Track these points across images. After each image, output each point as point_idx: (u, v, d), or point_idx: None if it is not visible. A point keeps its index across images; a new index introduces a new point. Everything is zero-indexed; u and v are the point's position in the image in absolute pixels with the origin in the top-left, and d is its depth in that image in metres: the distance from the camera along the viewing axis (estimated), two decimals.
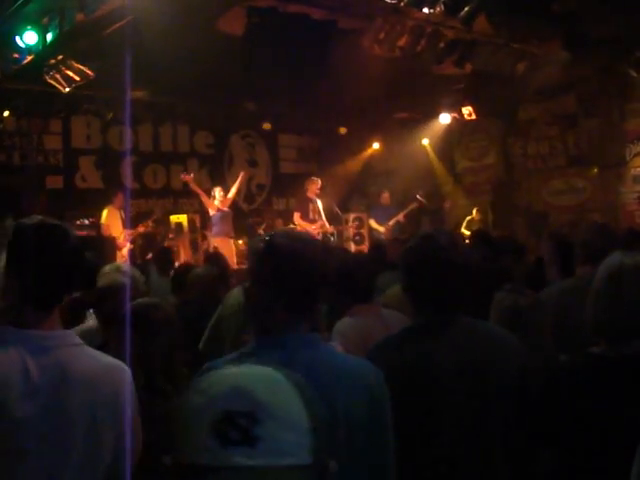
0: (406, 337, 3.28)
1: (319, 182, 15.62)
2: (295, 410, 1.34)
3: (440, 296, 3.20)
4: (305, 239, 2.61)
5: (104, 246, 13.58)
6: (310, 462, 1.32)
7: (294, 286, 2.46)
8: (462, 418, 3.03)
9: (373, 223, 17.18)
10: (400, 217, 16.84)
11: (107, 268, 5.27)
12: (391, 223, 16.71)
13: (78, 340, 2.60)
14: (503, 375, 3.08)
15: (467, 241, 9.78)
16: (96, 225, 15.24)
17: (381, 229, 16.84)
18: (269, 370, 1.40)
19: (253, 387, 1.34)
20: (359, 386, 2.49)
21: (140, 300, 3.94)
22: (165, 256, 10.51)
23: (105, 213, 14.50)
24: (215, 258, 9.19)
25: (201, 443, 1.29)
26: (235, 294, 5.95)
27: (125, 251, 14.31)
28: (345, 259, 5.16)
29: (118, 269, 5.24)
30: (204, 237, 15.83)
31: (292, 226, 15.00)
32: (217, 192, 15.25)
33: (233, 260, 14.02)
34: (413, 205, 17.18)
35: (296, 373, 1.43)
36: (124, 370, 2.62)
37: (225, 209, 15.13)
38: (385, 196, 17.38)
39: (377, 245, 10.26)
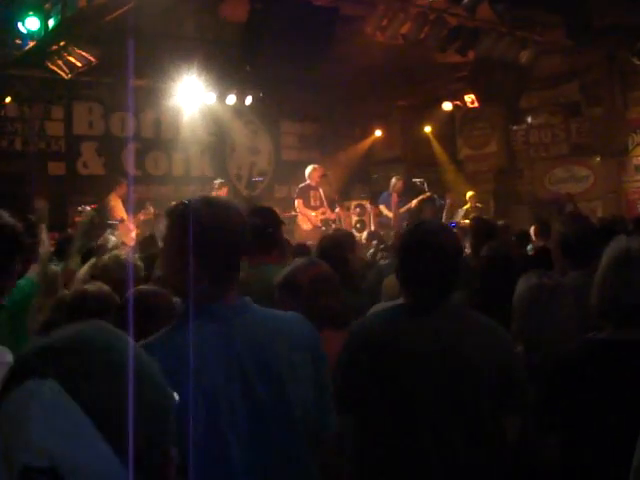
0: (388, 316, 3.37)
1: (321, 169, 15.60)
2: (99, 453, 1.14)
3: (426, 279, 3.24)
4: (224, 204, 2.62)
5: (118, 229, 13.51)
6: None
7: (218, 255, 2.48)
8: (436, 400, 3.09)
9: (384, 209, 17.12)
10: (412, 204, 16.80)
11: (106, 258, 5.27)
12: (402, 210, 16.67)
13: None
14: (482, 362, 3.11)
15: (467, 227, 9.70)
16: (98, 211, 15.22)
17: (390, 214, 16.80)
18: (61, 398, 1.15)
19: (47, 434, 1.12)
20: (301, 340, 2.63)
21: (141, 287, 3.93)
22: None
23: (111, 197, 14.48)
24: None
25: None
26: None
27: (133, 235, 14.30)
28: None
29: (117, 259, 5.23)
30: None
31: (293, 213, 15.00)
32: (223, 189, 15.32)
33: None
34: (424, 195, 17.14)
35: (81, 384, 1.17)
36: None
37: None
38: (399, 183, 17.32)
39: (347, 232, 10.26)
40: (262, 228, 4.98)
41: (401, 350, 3.14)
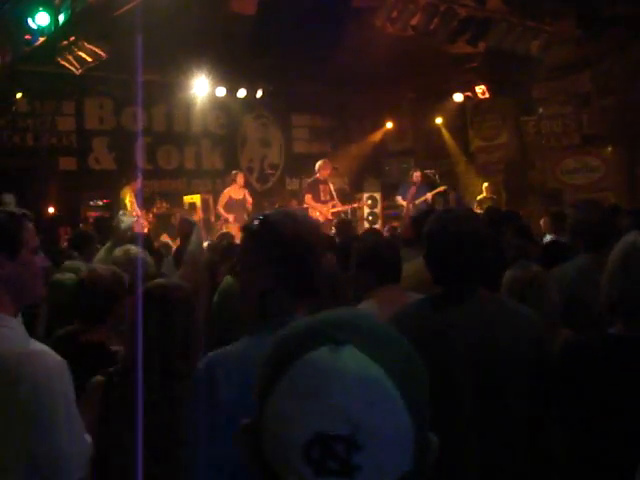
0: (424, 307, 3.33)
1: (331, 165, 15.62)
2: (401, 421, 1.08)
3: (457, 266, 3.22)
4: (301, 218, 2.60)
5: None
6: (412, 466, 1.10)
7: (295, 267, 2.46)
8: (479, 388, 3.05)
9: (400, 200, 17.11)
10: (428, 196, 16.79)
11: (117, 251, 5.29)
12: (418, 202, 16.65)
13: None
14: (519, 347, 3.08)
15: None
16: (109, 206, 15.27)
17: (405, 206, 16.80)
18: (365, 363, 1.09)
19: (350, 400, 1.06)
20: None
21: (157, 280, 3.93)
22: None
23: (125, 192, 14.49)
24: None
25: (292, 463, 1.06)
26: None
27: (145, 231, 14.33)
28: (369, 238, 5.13)
29: (127, 253, 5.25)
30: (217, 217, 15.85)
31: (305, 206, 15.01)
32: (238, 177, 15.38)
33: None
34: (441, 187, 17.15)
35: (381, 350, 1.12)
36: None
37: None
38: (416, 175, 17.31)
39: (372, 231, 10.29)
40: None
41: (436, 341, 3.11)
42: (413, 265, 5.01)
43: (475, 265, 3.23)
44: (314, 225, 2.63)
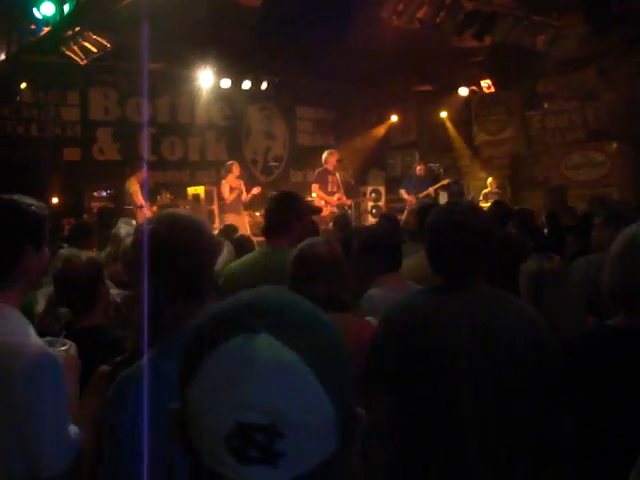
0: (421, 298, 3.36)
1: (337, 154, 15.59)
2: (320, 406, 1.09)
3: (457, 259, 3.23)
4: (181, 223, 2.52)
5: (136, 216, 13.49)
6: (336, 446, 1.12)
7: (179, 275, 2.40)
8: (474, 379, 3.07)
9: (404, 194, 17.13)
10: (431, 191, 16.81)
11: (128, 242, 5.31)
12: (421, 196, 16.66)
13: None
14: (516, 342, 3.09)
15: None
16: (113, 197, 15.26)
17: (410, 199, 16.80)
18: (280, 351, 1.08)
19: (267, 389, 1.06)
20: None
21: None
22: None
23: (130, 182, 14.47)
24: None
25: (215, 452, 1.08)
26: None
27: None
28: (370, 229, 5.16)
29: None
30: (221, 209, 15.85)
31: (310, 198, 14.98)
32: (234, 167, 15.35)
33: (248, 232, 14.07)
34: (445, 181, 17.18)
35: (297, 336, 1.11)
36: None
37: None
38: (420, 168, 17.33)
39: (387, 217, 10.27)
40: (272, 211, 5.18)
41: (434, 332, 3.14)
42: (414, 260, 5.04)
43: (474, 258, 3.25)
44: (198, 227, 2.53)
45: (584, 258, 5.34)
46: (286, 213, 5.14)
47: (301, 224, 5.15)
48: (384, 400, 3.16)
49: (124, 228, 7.33)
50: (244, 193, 15.41)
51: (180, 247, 2.36)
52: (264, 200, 16.11)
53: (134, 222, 13.77)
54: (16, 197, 2.81)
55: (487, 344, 3.07)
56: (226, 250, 6.73)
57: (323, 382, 1.08)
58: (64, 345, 3.06)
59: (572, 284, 4.08)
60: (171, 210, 2.71)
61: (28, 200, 2.84)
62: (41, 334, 2.88)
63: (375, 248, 4.69)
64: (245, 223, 14.96)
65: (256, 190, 15.53)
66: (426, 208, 6.32)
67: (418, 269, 4.59)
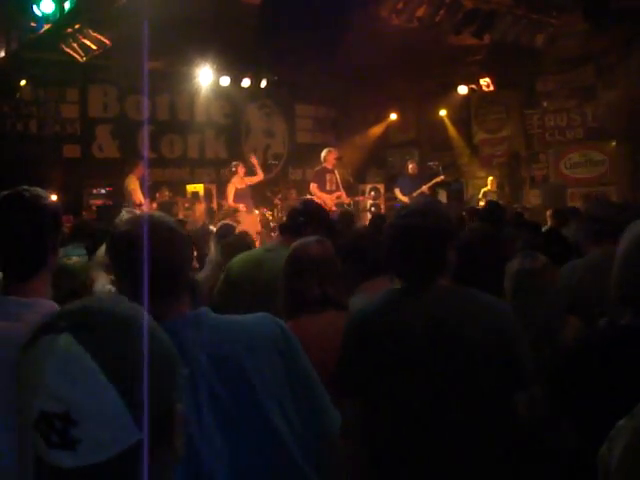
0: (382, 302, 3.38)
1: (336, 152, 15.59)
2: (105, 397, 1.22)
3: (410, 262, 3.27)
4: (150, 224, 2.49)
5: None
6: (140, 435, 1.24)
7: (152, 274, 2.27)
8: (433, 379, 3.11)
9: (398, 193, 17.14)
10: (424, 189, 16.81)
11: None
12: (415, 194, 16.67)
13: None
14: (480, 339, 3.11)
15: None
16: (112, 194, 15.28)
17: (404, 199, 16.80)
18: (72, 347, 1.23)
19: (58, 381, 1.21)
20: (261, 341, 2.54)
21: None
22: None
23: (129, 180, 14.48)
24: None
25: (33, 436, 1.23)
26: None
27: None
28: (352, 233, 5.18)
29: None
30: (220, 206, 15.88)
31: (309, 196, 15.00)
32: (239, 169, 15.40)
33: (258, 230, 14.13)
34: (438, 178, 17.18)
35: (93, 336, 1.26)
36: None
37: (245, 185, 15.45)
38: (412, 166, 17.35)
39: (379, 217, 10.30)
40: (298, 212, 5.35)
41: (396, 332, 3.18)
42: None
43: (428, 259, 3.26)
44: (171, 228, 2.52)
45: (573, 261, 5.37)
46: (308, 216, 5.29)
47: (317, 230, 5.22)
48: (352, 401, 3.19)
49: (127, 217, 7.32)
50: (259, 174, 15.89)
51: (155, 248, 2.33)
52: (263, 198, 16.23)
53: (137, 212, 13.83)
54: (34, 192, 2.78)
55: (444, 343, 3.11)
56: (214, 250, 6.76)
57: (110, 377, 1.23)
58: None
59: (554, 283, 4.10)
60: (144, 213, 2.72)
61: (45, 195, 2.83)
62: None
63: (358, 252, 4.61)
64: (256, 221, 15.02)
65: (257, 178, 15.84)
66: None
67: None
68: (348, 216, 11.29)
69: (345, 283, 4.64)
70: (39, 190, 2.81)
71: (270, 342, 2.57)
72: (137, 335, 1.29)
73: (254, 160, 16.22)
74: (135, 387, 1.24)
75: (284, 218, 5.52)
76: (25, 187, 2.79)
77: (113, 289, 5.14)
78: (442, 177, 17.32)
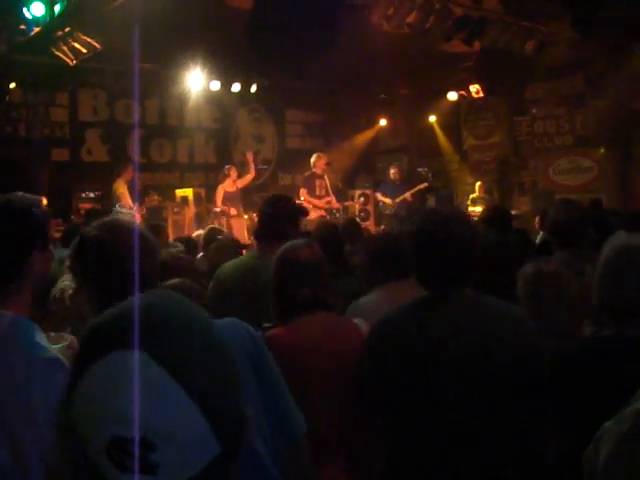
0: (407, 312, 3.29)
1: (326, 158, 15.59)
2: (189, 418, 1.14)
3: (442, 270, 3.19)
4: (118, 229, 2.50)
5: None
6: (220, 449, 1.17)
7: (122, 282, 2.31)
8: (463, 390, 3.04)
9: (380, 196, 17.15)
10: (407, 195, 16.80)
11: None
12: (398, 200, 16.68)
13: None
14: (505, 349, 3.07)
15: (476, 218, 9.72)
16: (101, 198, 15.24)
17: (388, 201, 16.81)
18: (147, 366, 1.14)
19: (135, 404, 1.11)
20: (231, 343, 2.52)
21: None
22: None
23: (117, 184, 14.46)
24: None
25: (100, 462, 1.13)
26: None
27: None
28: (373, 237, 5.19)
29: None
30: (209, 211, 15.86)
31: (298, 202, 14.99)
32: (232, 172, 15.40)
33: (244, 235, 14.12)
34: (422, 185, 17.17)
35: (169, 352, 1.16)
36: None
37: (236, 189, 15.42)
38: (394, 172, 17.35)
39: (351, 220, 10.27)
40: (272, 216, 5.14)
41: (423, 343, 3.11)
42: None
43: (462, 267, 3.21)
44: (137, 232, 2.51)
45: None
46: (284, 220, 5.14)
47: (296, 229, 5.17)
48: (374, 422, 3.15)
49: (122, 215, 7.32)
50: (251, 172, 15.97)
51: (125, 254, 2.33)
52: (251, 203, 16.20)
53: (132, 207, 13.81)
54: (13, 198, 2.70)
55: (474, 356, 3.05)
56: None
57: (193, 395, 1.14)
58: (65, 340, 3.00)
59: (571, 287, 4.09)
60: (112, 217, 2.68)
61: (25, 199, 2.73)
62: None
63: (385, 255, 4.70)
64: (244, 226, 15.02)
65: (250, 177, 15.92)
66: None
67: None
68: (353, 226, 11.30)
69: (368, 285, 4.69)
70: (23, 198, 2.71)
71: (239, 345, 2.58)
72: (209, 345, 1.22)
73: (250, 157, 16.22)
74: (216, 402, 1.18)
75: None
76: (10, 195, 2.73)
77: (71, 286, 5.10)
78: (425, 184, 17.30)
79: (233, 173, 15.42)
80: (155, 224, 10.49)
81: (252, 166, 16.08)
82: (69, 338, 3.02)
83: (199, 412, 1.14)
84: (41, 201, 2.86)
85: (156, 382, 1.13)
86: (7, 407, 2.45)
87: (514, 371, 3.06)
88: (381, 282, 4.65)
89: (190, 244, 8.75)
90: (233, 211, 15.08)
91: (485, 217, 7.95)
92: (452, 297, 3.19)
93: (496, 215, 8.29)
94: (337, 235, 6.45)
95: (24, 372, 2.46)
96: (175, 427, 1.12)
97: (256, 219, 15.50)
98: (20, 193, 2.77)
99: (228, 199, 15.20)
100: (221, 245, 7.45)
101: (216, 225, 12.06)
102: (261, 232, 5.23)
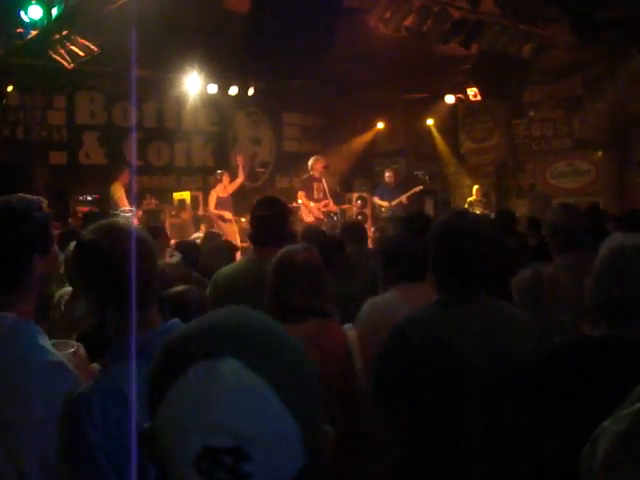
0: (434, 311, 3.32)
1: (323, 161, 15.58)
2: (284, 427, 1.12)
3: (467, 270, 3.23)
4: (119, 233, 2.44)
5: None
6: (305, 461, 1.14)
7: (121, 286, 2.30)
8: (488, 388, 3.08)
9: (377, 200, 17.15)
10: (403, 199, 16.79)
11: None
12: (394, 203, 16.67)
13: None
14: (521, 351, 3.14)
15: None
16: (99, 201, 15.23)
17: (384, 204, 16.81)
18: (242, 374, 1.11)
19: (231, 413, 1.09)
20: None
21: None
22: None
23: (115, 187, 14.46)
24: None
25: (186, 474, 1.10)
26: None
27: None
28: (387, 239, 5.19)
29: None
30: (205, 214, 15.84)
31: (295, 205, 14.98)
32: (224, 177, 15.39)
33: (237, 239, 14.08)
34: (417, 188, 17.15)
35: (263, 360, 1.14)
36: None
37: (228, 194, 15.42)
38: (389, 175, 17.35)
39: (353, 221, 10.28)
40: (269, 220, 5.09)
41: (443, 347, 3.12)
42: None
43: (485, 268, 3.26)
44: (138, 237, 2.44)
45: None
46: (283, 222, 5.14)
47: (290, 231, 5.16)
48: (389, 422, 3.16)
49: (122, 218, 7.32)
50: (240, 176, 15.88)
51: (123, 259, 2.29)
52: (248, 206, 16.16)
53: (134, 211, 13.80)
54: (12, 200, 2.67)
55: (497, 359, 3.11)
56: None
57: (287, 403, 1.12)
58: (72, 347, 2.97)
59: (570, 290, 4.10)
60: (109, 220, 2.63)
61: (24, 201, 2.71)
62: None
63: (389, 258, 4.74)
64: (235, 231, 15.00)
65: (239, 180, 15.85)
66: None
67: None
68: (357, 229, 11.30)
69: (385, 285, 4.69)
70: (22, 200, 2.70)
71: None
72: (299, 356, 1.21)
73: (240, 161, 16.21)
74: (306, 413, 1.15)
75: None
76: (10, 197, 2.69)
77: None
78: (421, 187, 17.28)
79: (225, 179, 15.40)
80: (154, 226, 10.48)
81: (241, 170, 16.04)
82: (75, 345, 3.00)
83: (294, 422, 1.12)
84: (42, 202, 2.82)
85: (252, 390, 1.11)
86: (5, 409, 2.44)
87: (527, 373, 3.10)
88: (394, 283, 4.65)
89: (189, 253, 8.68)
90: (229, 215, 15.08)
91: (492, 220, 8.00)
92: (473, 299, 3.24)
93: (502, 218, 8.32)
94: (328, 239, 6.48)
95: (24, 374, 2.45)
96: (270, 436, 1.10)
97: (245, 222, 15.60)
98: (20, 195, 2.74)
99: (220, 204, 15.18)
100: (215, 248, 7.45)
101: (214, 229, 12.06)
102: (256, 236, 5.20)
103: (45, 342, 2.59)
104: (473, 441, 3.08)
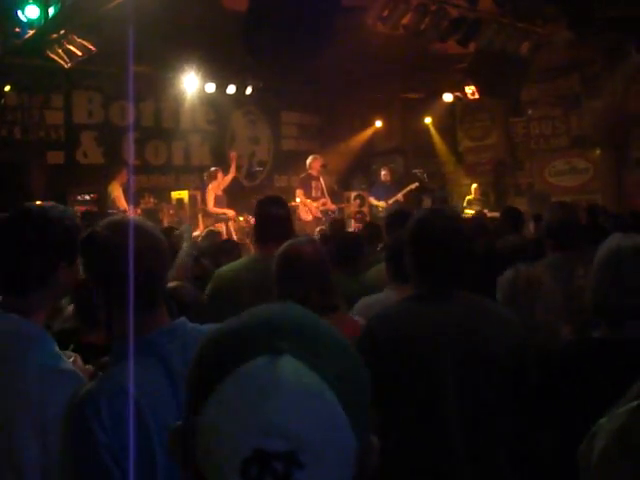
0: (406, 307, 3.32)
1: (321, 159, 15.59)
2: (343, 434, 1.03)
3: (443, 267, 3.21)
4: (126, 229, 2.36)
5: None
6: (354, 472, 1.05)
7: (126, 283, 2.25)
8: (462, 386, 3.07)
9: (373, 200, 17.15)
10: (399, 196, 16.78)
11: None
12: (390, 202, 16.67)
13: None
14: (500, 348, 3.10)
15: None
16: (97, 201, 15.21)
17: (381, 204, 16.81)
18: (304, 375, 1.03)
19: (289, 415, 1.00)
20: None
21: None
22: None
23: (112, 187, 14.46)
24: None
25: (230, 478, 1.00)
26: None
27: None
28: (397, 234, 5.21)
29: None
30: (205, 213, 15.82)
31: (293, 203, 14.97)
32: (219, 174, 15.38)
33: (234, 237, 14.08)
34: (413, 185, 17.14)
35: (324, 361, 1.05)
36: None
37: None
38: (385, 173, 17.35)
39: (371, 223, 10.34)
40: (276, 219, 5.11)
41: (419, 341, 3.12)
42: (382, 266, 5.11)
43: (461, 265, 3.25)
44: (151, 235, 2.43)
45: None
46: (289, 222, 5.20)
47: (292, 229, 5.19)
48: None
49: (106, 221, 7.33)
50: (231, 171, 15.97)
51: (137, 257, 2.25)
52: (247, 205, 16.17)
53: (121, 209, 13.79)
54: (47, 207, 2.73)
55: (473, 354, 3.08)
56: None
57: (346, 409, 1.04)
58: (69, 357, 2.97)
59: (553, 290, 4.09)
60: (121, 217, 2.62)
61: (59, 209, 2.75)
62: None
63: (388, 256, 4.81)
64: (230, 228, 14.99)
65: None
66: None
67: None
68: (338, 224, 11.30)
69: (390, 283, 4.73)
70: (57, 209, 2.75)
71: None
72: (354, 357, 1.12)
73: (233, 157, 16.22)
74: (362, 418, 1.07)
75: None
76: (46, 204, 2.75)
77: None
78: (417, 184, 17.27)
79: (220, 175, 15.39)
80: (169, 227, 10.49)
81: (233, 166, 16.04)
82: (72, 355, 3.02)
83: (351, 430, 1.04)
84: (75, 214, 2.84)
85: (314, 391, 1.02)
86: (15, 411, 2.47)
87: (507, 369, 3.10)
88: (393, 281, 4.72)
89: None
90: (231, 212, 15.09)
91: (499, 218, 8.02)
92: (450, 295, 3.22)
93: (509, 216, 8.34)
94: (352, 239, 6.60)
95: (35, 381, 2.48)
96: (328, 443, 1.01)
97: (252, 221, 15.61)
98: (53, 203, 2.81)
99: (217, 202, 15.18)
100: (220, 246, 7.47)
101: (214, 227, 12.06)
102: (260, 235, 5.21)
103: (58, 351, 2.64)
104: (450, 441, 3.07)
